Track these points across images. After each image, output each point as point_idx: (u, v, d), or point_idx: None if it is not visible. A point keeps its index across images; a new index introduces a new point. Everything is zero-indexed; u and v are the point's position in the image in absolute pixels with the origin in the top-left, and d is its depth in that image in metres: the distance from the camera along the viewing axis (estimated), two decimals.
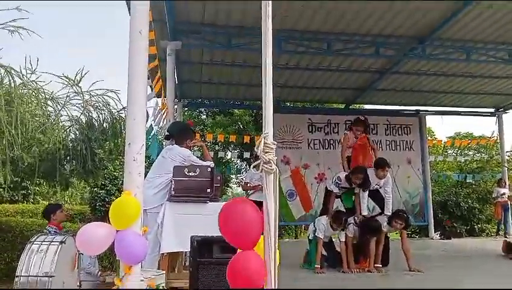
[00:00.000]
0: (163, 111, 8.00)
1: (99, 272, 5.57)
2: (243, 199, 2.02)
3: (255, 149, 1.97)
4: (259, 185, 6.93)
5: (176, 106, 10.07)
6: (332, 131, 11.14)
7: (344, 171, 6.55)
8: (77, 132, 8.30)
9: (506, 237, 10.57)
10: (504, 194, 11.89)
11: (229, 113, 16.75)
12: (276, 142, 1.96)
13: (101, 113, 8.25)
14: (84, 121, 8.07)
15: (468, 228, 13.42)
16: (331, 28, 7.45)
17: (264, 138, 1.94)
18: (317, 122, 11.15)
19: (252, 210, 1.91)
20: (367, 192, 6.21)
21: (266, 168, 1.92)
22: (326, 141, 11.11)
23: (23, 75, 6.96)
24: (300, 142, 10.98)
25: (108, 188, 14.17)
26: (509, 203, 11.90)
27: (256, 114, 15.80)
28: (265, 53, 1.88)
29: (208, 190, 4.04)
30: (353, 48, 7.97)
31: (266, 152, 1.93)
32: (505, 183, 12.13)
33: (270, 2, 2.07)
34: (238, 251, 1.96)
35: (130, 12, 2.94)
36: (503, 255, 7.44)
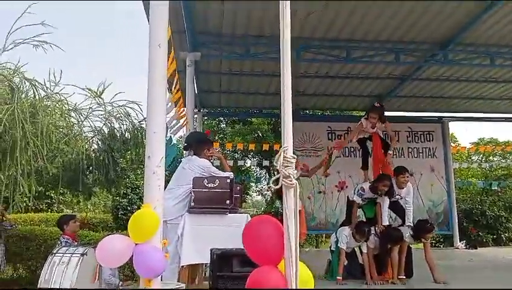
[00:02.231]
0: (183, 121, 8.07)
1: (121, 283, 5.60)
2: (265, 218, 1.99)
3: (275, 163, 1.94)
4: None
5: (195, 116, 10.15)
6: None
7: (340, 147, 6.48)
8: (100, 142, 8.45)
9: None
10: None
11: (247, 121, 16.78)
12: (296, 156, 1.93)
13: (123, 124, 8.40)
14: (106, 132, 8.21)
15: (495, 237, 13.03)
16: (350, 35, 7.40)
17: (284, 152, 1.91)
18: (336, 129, 11.04)
19: (275, 228, 1.88)
20: (388, 202, 6.09)
21: (286, 182, 1.89)
22: (346, 148, 10.95)
23: (47, 87, 7.15)
24: (320, 150, 10.88)
25: (130, 197, 14.37)
26: None
27: (274, 122, 15.78)
28: (283, 70, 1.86)
29: (227, 201, 4.03)
30: (373, 55, 7.89)
31: (286, 166, 1.89)
32: None
33: (289, 7, 2.06)
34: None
35: (149, 23, 2.98)
36: None
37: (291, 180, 1.89)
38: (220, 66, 8.62)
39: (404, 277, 5.77)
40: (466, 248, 10.87)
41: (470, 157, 18.73)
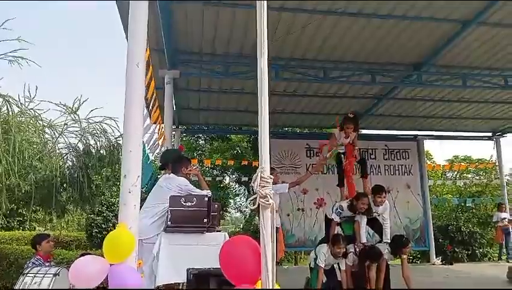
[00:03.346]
0: (160, 138, 8.01)
1: None
2: (242, 239, 1.99)
3: (252, 183, 1.95)
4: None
5: (173, 133, 10.09)
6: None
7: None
8: (74, 159, 8.30)
9: (508, 262, 10.45)
10: (505, 218, 11.79)
11: (226, 138, 16.78)
12: (272, 177, 1.95)
13: (99, 140, 8.27)
14: (81, 148, 8.07)
15: (470, 252, 13.27)
16: (327, 56, 7.57)
17: (261, 172, 1.92)
18: (315, 147, 11.14)
19: (251, 248, 1.88)
20: (365, 220, 6.15)
21: (263, 202, 1.90)
22: (324, 166, 11.07)
23: (21, 103, 7.02)
24: (298, 167, 10.96)
25: (105, 214, 14.09)
26: (510, 227, 11.80)
27: (254, 139, 15.84)
28: (261, 103, 1.89)
29: (205, 220, 3.99)
30: (349, 76, 8.05)
31: (263, 186, 1.91)
32: (505, 208, 12.05)
33: (265, 29, 2.10)
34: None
35: (127, 41, 2.98)
36: (508, 280, 7.32)
37: (268, 200, 1.91)
38: (199, 83, 8.64)
39: None
40: (442, 264, 11.03)
41: (445, 175, 19.14)
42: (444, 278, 8.43)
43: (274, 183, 6.65)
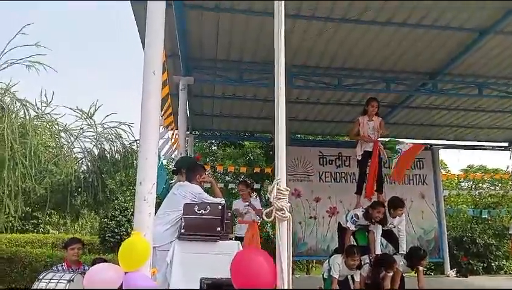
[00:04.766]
0: (174, 144, 8.05)
1: None
2: (255, 251, 1.97)
3: (268, 195, 1.93)
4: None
5: (187, 138, 10.13)
6: (344, 164, 11.04)
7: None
8: (89, 164, 8.41)
9: None
10: None
11: (239, 145, 16.80)
12: (289, 189, 1.93)
13: (113, 145, 8.37)
14: (96, 153, 8.17)
15: (485, 265, 13.01)
16: (341, 64, 7.55)
17: (277, 184, 1.90)
18: (328, 155, 11.07)
19: (264, 261, 1.86)
20: (380, 230, 6.08)
21: (279, 215, 1.88)
22: (337, 173, 10.99)
23: (38, 108, 7.15)
24: (311, 175, 10.88)
25: (118, 219, 14.18)
26: None
27: (266, 146, 15.83)
28: (277, 112, 1.88)
29: (218, 229, 3.98)
30: (364, 84, 8.00)
31: (279, 199, 1.89)
32: None
33: (283, 35, 2.09)
34: None
35: (144, 50, 3.00)
36: None
37: (284, 213, 1.89)
38: (213, 90, 8.68)
39: None
40: (457, 276, 10.81)
41: (460, 184, 18.86)
42: None
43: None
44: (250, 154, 15.95)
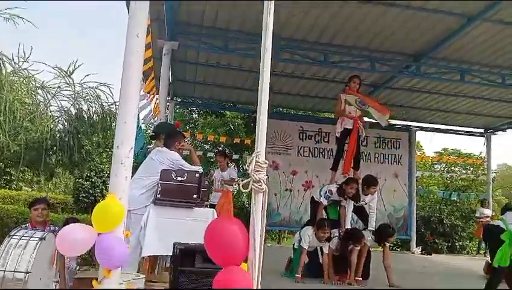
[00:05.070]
0: (154, 109, 7.95)
1: (78, 267, 5.47)
2: (229, 219, 2.00)
3: (246, 167, 1.95)
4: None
5: (167, 104, 10.02)
6: (323, 140, 11.17)
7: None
8: (66, 123, 8.22)
9: (486, 257, 10.70)
10: (487, 214, 12.05)
11: (220, 114, 16.70)
12: (267, 161, 1.95)
13: (92, 106, 8.18)
14: (73, 113, 7.99)
15: (450, 244, 13.57)
16: (329, 39, 7.50)
17: (256, 157, 1.92)
18: (308, 130, 11.17)
19: (238, 230, 1.89)
20: (352, 206, 6.25)
21: (256, 187, 1.90)
22: (316, 149, 11.13)
23: (15, 62, 6.89)
24: (290, 149, 10.99)
25: (93, 180, 14.07)
26: (491, 223, 12.06)
27: (248, 117, 15.80)
28: (262, 80, 1.87)
29: (195, 196, 4.01)
30: (349, 61, 8.00)
31: (257, 171, 1.91)
32: (488, 204, 12.29)
33: (273, 7, 2.06)
34: None
35: (128, 12, 2.91)
36: (484, 275, 7.50)
37: (260, 185, 1.91)
38: (197, 56, 8.53)
39: (361, 279, 5.93)
40: (421, 253, 11.28)
41: (433, 166, 19.36)
42: (422, 268, 8.63)
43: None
44: (231, 125, 15.90)
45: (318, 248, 6.11)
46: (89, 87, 7.54)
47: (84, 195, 14.12)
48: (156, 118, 7.81)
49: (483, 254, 11.59)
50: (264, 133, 1.93)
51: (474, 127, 12.65)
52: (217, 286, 1.80)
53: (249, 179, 1.92)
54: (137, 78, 2.86)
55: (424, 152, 19.34)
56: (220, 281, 1.80)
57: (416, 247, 11.72)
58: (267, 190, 1.94)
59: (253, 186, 1.90)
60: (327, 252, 5.90)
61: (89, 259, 6.79)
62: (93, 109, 8.04)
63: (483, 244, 12.37)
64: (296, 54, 7.81)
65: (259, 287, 1.92)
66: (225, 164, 7.79)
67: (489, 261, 7.88)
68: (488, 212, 12.10)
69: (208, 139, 14.44)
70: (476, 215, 12.32)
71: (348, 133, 6.87)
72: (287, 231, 14.97)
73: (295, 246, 6.22)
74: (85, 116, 7.78)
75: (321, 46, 7.68)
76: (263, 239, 1.94)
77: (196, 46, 7.60)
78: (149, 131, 10.04)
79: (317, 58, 7.84)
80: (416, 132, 12.18)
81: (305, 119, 11.80)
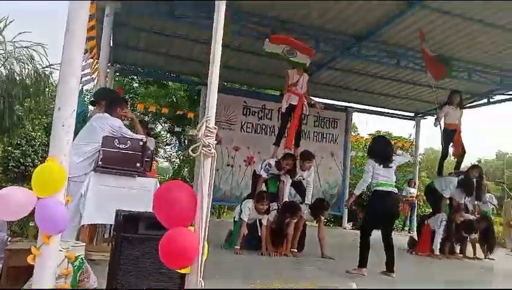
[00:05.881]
0: (94, 74, 7.60)
1: (9, 238, 5.22)
2: (179, 183, 2.02)
3: (196, 131, 1.97)
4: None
5: (108, 70, 9.59)
6: (266, 116, 11.36)
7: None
8: None
9: (410, 233, 11.60)
10: (413, 193, 13.01)
11: (163, 84, 16.29)
12: (217, 127, 1.98)
13: (25, 68, 7.66)
14: (4, 74, 7.43)
15: None
16: (277, 14, 7.50)
17: (206, 122, 1.95)
18: (252, 106, 11.28)
19: (186, 193, 1.93)
20: (290, 181, 6.51)
21: (205, 151, 1.94)
22: (259, 125, 11.30)
23: None
24: (233, 124, 11.06)
25: (24, 148, 13.23)
26: (415, 201, 13.07)
27: (191, 89, 15.57)
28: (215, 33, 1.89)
29: (138, 164, 3.96)
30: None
31: (207, 136, 1.94)
32: (414, 184, 13.25)
33: None
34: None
35: None
36: (407, 249, 8.15)
37: (210, 150, 1.95)
38: (141, 21, 8.19)
39: (296, 250, 6.23)
40: (352, 229, 11.99)
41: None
42: (352, 241, 9.17)
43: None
44: (173, 96, 15.59)
45: (257, 220, 6.30)
46: (22, 46, 7.04)
47: (13, 164, 13.25)
48: (94, 83, 7.48)
49: (408, 231, 12.55)
50: (215, 98, 1.97)
51: (406, 111, 13.42)
52: (164, 244, 1.84)
53: (198, 144, 1.95)
54: (82, 36, 2.72)
55: (358, 133, 20.27)
56: (168, 238, 1.83)
57: (348, 223, 12.45)
58: (215, 155, 1.98)
59: (202, 151, 1.93)
60: (266, 224, 6.10)
61: (19, 231, 6.50)
62: (26, 71, 7.54)
63: (408, 221, 13.39)
64: (243, 27, 7.73)
65: (206, 245, 1.98)
66: (145, 134, 7.68)
67: (414, 237, 8.63)
68: (413, 191, 13.06)
69: (149, 110, 14.07)
70: (403, 194, 13.21)
71: (292, 109, 7.06)
72: (227, 206, 15.17)
73: (236, 219, 6.37)
74: (17, 78, 7.28)
75: (268, 20, 7.65)
76: (211, 199, 1.99)
77: (140, 10, 7.28)
78: (87, 98, 9.59)
79: (263, 32, 7.81)
80: (353, 113, 12.74)
81: (249, 94, 11.89)
